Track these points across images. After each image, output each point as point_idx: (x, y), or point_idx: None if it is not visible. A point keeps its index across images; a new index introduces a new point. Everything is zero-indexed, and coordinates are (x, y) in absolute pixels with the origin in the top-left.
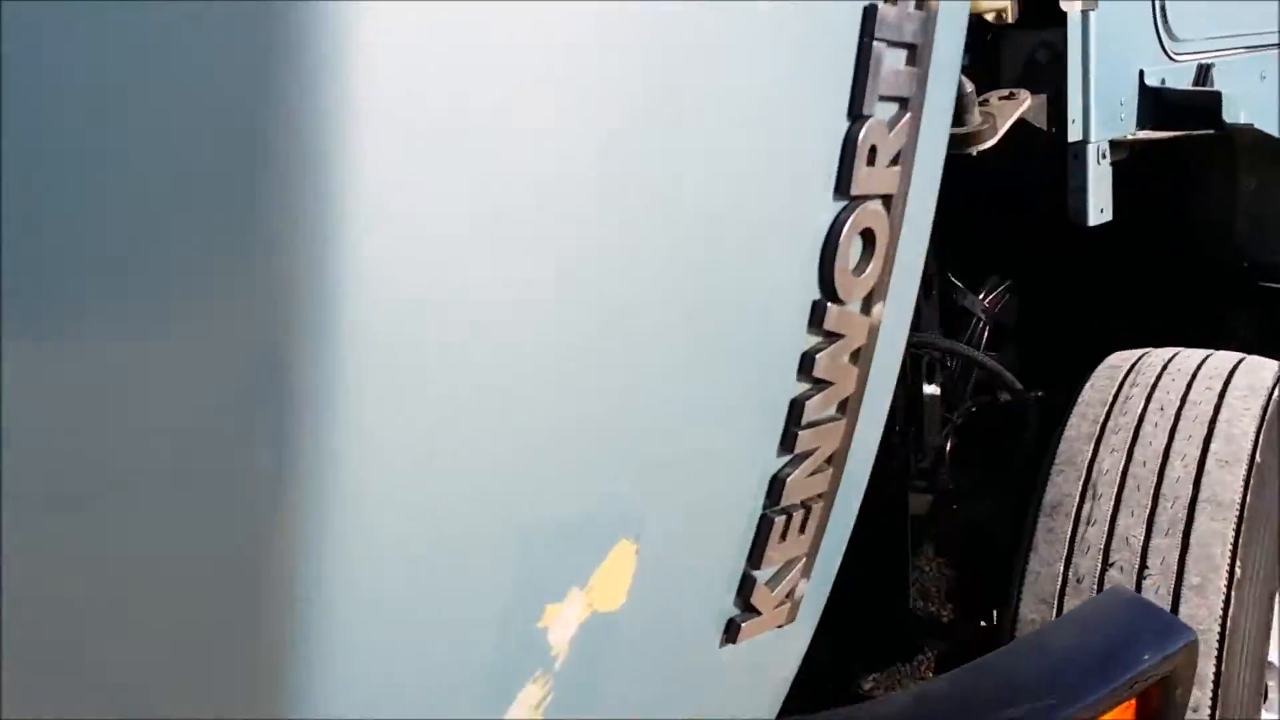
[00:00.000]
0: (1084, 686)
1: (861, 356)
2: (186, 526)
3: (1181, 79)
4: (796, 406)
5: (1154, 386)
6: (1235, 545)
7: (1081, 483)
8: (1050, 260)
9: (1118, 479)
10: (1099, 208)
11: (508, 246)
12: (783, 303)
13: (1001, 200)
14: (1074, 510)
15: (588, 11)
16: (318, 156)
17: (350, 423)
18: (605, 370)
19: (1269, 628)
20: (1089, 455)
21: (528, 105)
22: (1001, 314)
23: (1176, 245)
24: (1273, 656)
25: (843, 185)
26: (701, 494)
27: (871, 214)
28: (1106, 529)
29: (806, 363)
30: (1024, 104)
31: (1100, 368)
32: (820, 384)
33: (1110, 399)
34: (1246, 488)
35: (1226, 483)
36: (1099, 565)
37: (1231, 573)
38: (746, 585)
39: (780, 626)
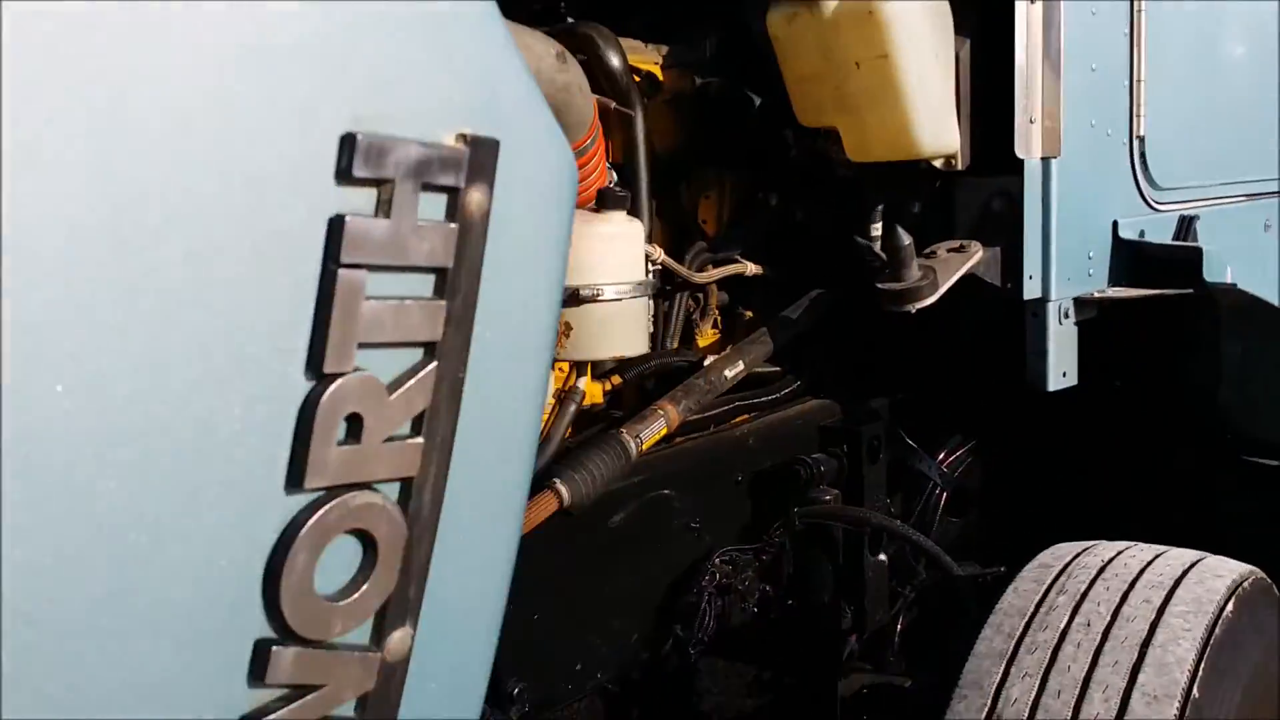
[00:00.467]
0: None
1: None
2: None
3: (1164, 231)
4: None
5: (1083, 596)
6: None
7: (985, 713)
8: (1017, 419)
9: (1025, 712)
10: (1061, 371)
11: None
12: None
13: (959, 355)
14: None
15: None
16: None
17: None
18: None
19: None
20: (997, 679)
21: None
22: (963, 477)
23: (1157, 409)
24: None
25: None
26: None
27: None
28: None
29: None
30: (972, 258)
31: (1029, 566)
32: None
33: (1032, 609)
34: None
35: None
36: None
37: None
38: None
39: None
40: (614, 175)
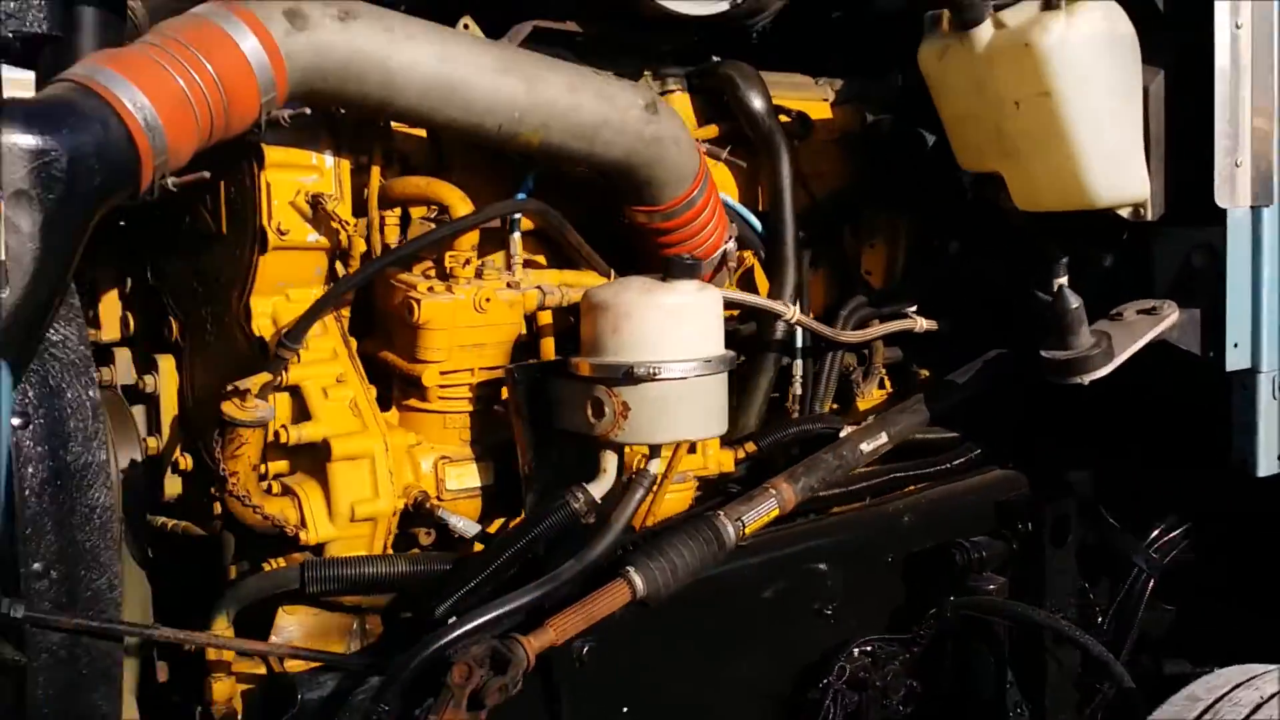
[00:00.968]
0: None
1: None
2: None
3: None
4: None
5: None
6: None
7: None
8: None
9: None
10: (1274, 453)
11: None
12: None
13: (1165, 425)
14: None
15: None
16: None
17: None
18: None
19: None
20: None
21: None
22: (1175, 562)
23: None
24: None
25: None
26: None
27: None
28: None
29: None
30: (1162, 322)
31: (1173, 700)
32: None
33: None
34: None
35: None
36: None
37: None
38: None
39: None
40: (734, 230)
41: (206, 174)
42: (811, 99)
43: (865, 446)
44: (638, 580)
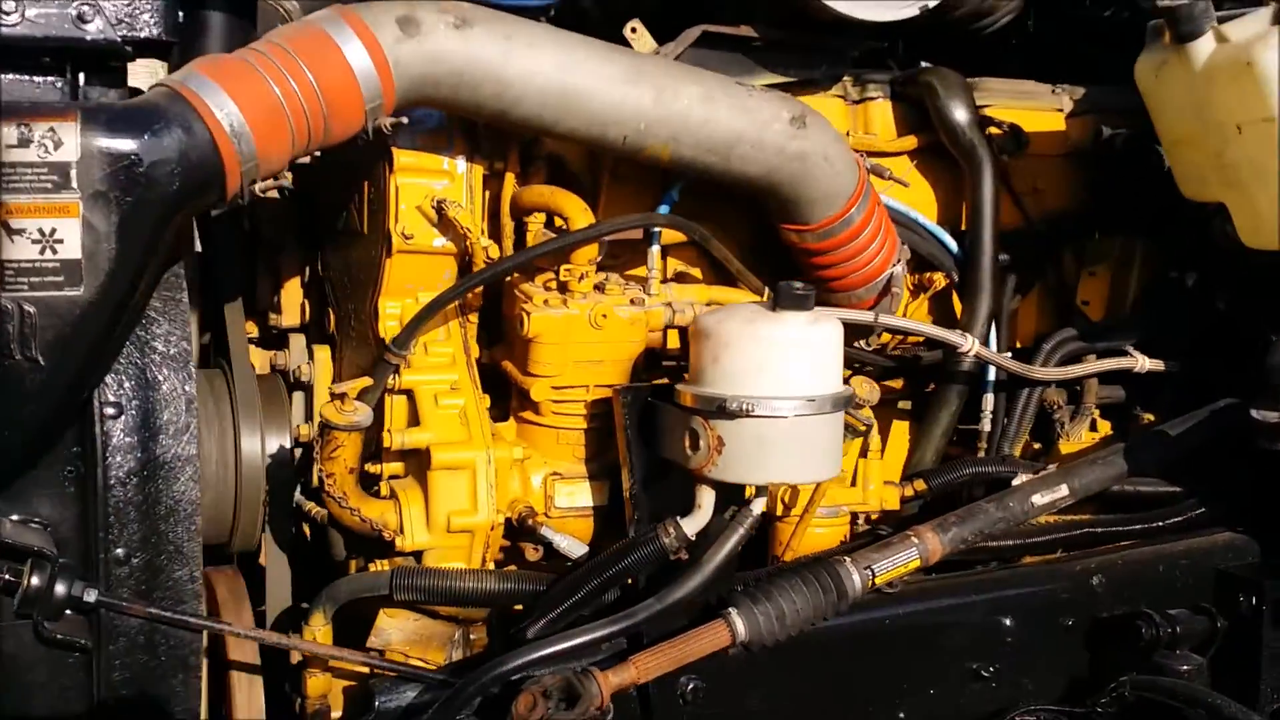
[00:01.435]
0: None
1: None
2: None
3: None
4: None
5: None
6: None
7: None
8: None
9: None
10: None
11: None
12: None
13: None
14: None
15: None
16: None
17: None
18: None
19: None
20: None
21: None
22: None
23: None
24: None
25: None
26: None
27: None
28: None
29: None
30: None
31: None
32: None
33: None
34: None
35: None
36: None
37: None
38: None
39: None
40: (905, 251)
41: (288, 182)
42: (1038, 109)
43: (1039, 499)
44: (739, 623)
